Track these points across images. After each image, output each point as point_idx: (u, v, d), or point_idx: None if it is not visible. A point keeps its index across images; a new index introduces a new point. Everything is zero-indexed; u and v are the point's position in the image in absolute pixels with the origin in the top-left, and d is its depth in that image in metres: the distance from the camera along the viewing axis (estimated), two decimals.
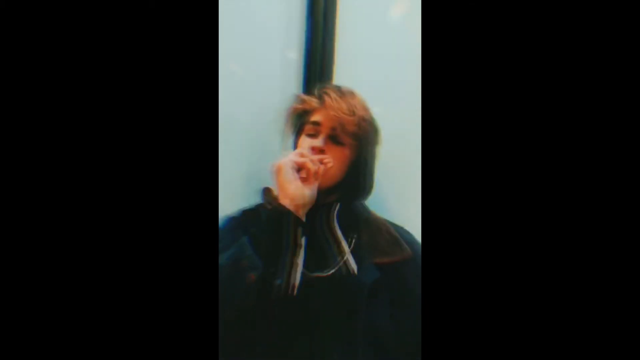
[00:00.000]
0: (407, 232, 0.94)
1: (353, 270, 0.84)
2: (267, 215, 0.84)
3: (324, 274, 0.84)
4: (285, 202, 0.81)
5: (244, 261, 0.77)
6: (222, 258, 0.78)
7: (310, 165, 0.83)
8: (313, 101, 0.92)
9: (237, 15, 1.03)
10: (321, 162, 0.85)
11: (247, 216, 0.93)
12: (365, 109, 0.92)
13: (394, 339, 0.82)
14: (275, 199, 0.84)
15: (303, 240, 0.80)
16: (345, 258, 0.86)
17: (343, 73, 1.09)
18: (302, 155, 0.84)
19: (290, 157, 0.83)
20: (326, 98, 0.89)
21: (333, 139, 0.89)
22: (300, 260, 0.79)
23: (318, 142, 0.88)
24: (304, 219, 0.81)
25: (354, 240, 0.89)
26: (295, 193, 0.81)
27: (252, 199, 0.95)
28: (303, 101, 0.94)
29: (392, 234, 0.92)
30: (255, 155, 1.05)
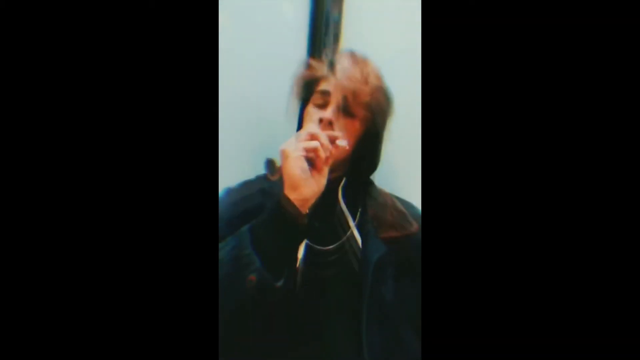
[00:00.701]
0: (413, 207, 0.92)
1: (358, 245, 0.83)
2: (269, 211, 0.76)
3: (329, 248, 0.82)
4: (291, 195, 0.74)
5: (243, 259, 0.72)
6: (221, 252, 0.73)
7: (321, 152, 0.74)
8: (322, 68, 0.86)
9: None
10: (333, 142, 0.77)
11: (249, 188, 0.89)
12: (379, 77, 0.86)
13: (399, 313, 0.81)
14: (279, 170, 0.79)
15: (304, 244, 0.77)
16: (349, 233, 0.84)
17: (352, 36, 1.02)
18: (312, 137, 0.75)
19: (300, 143, 0.75)
20: (337, 65, 0.83)
21: (343, 109, 0.83)
22: (300, 254, 0.77)
23: (327, 113, 0.82)
24: (307, 211, 0.75)
25: (358, 215, 0.86)
26: (305, 190, 0.74)
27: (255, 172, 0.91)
28: (311, 67, 0.87)
29: (398, 209, 0.90)
30: (258, 128, 0.99)
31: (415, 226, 0.86)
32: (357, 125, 0.84)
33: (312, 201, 0.75)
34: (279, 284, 0.71)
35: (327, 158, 0.75)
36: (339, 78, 0.82)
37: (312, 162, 0.75)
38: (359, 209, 0.87)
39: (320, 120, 0.81)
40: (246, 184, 0.91)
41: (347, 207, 0.86)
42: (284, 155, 0.74)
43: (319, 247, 0.81)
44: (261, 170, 0.90)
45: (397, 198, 0.92)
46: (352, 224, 0.85)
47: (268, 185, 0.87)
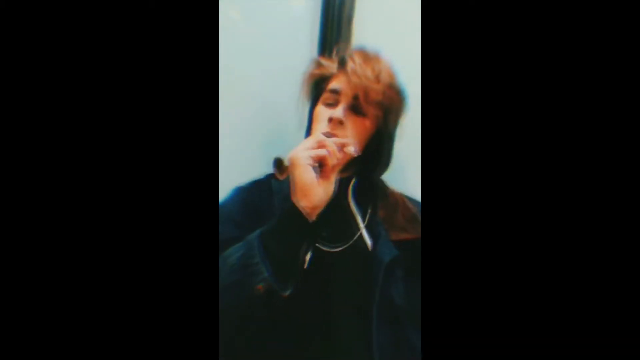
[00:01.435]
0: None
1: (368, 246, 0.81)
2: (279, 219, 0.75)
3: (338, 249, 0.80)
4: (299, 203, 0.73)
5: (252, 268, 0.71)
6: (230, 259, 0.73)
7: (329, 159, 0.73)
8: (332, 65, 0.83)
9: None
10: (341, 149, 0.75)
11: (258, 187, 0.88)
12: (392, 75, 0.84)
13: (409, 315, 0.79)
14: (287, 170, 0.78)
15: (309, 253, 0.77)
16: (359, 233, 0.82)
17: (364, 32, 0.99)
18: (320, 144, 0.74)
19: (307, 151, 0.73)
20: (348, 62, 0.81)
21: (354, 108, 0.81)
22: (308, 256, 0.76)
23: (337, 112, 0.80)
24: (315, 219, 0.75)
25: (368, 216, 0.85)
26: (313, 199, 0.73)
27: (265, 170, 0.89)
28: (321, 65, 0.85)
29: (409, 210, 0.88)
30: (267, 126, 0.97)
31: None
32: (367, 124, 0.83)
33: (320, 209, 0.74)
34: (287, 293, 0.70)
35: (335, 165, 0.74)
36: (350, 76, 0.80)
37: (320, 169, 0.74)
38: (369, 210, 0.86)
39: (330, 120, 0.80)
40: (256, 183, 0.90)
41: (357, 207, 0.85)
42: (291, 162, 0.73)
43: (327, 248, 0.80)
44: (270, 169, 0.89)
45: (408, 198, 0.90)
46: (361, 225, 0.83)
47: (277, 185, 0.86)
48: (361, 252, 0.81)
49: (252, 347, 0.75)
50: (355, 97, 0.80)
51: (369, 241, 0.81)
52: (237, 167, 0.89)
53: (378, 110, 0.82)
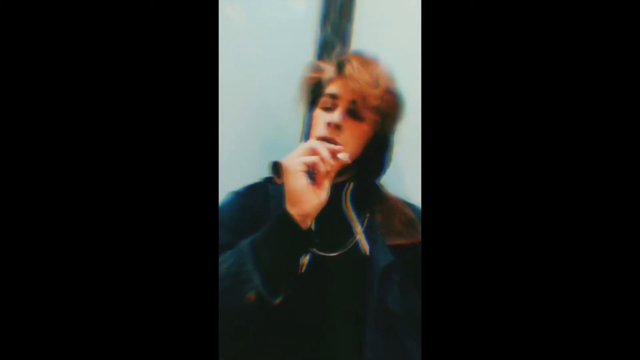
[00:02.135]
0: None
1: (365, 251, 0.81)
2: (271, 226, 0.75)
3: (334, 254, 0.80)
4: (291, 210, 0.72)
5: (243, 276, 0.70)
6: (222, 267, 0.72)
7: (321, 166, 0.73)
8: (330, 69, 0.83)
9: None
10: (334, 156, 0.75)
11: (255, 191, 0.88)
12: (391, 79, 0.84)
13: (404, 321, 0.79)
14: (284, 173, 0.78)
15: (307, 258, 0.76)
16: (357, 238, 0.82)
17: (362, 36, 0.99)
18: (313, 151, 0.74)
19: (299, 157, 0.73)
20: (346, 67, 0.81)
21: (352, 113, 0.81)
22: (306, 259, 0.76)
23: (334, 117, 0.79)
24: (307, 227, 0.74)
25: (366, 221, 0.84)
26: (305, 206, 0.72)
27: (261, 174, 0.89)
28: (319, 69, 0.85)
29: (407, 215, 0.87)
30: (264, 130, 0.97)
31: None
32: (365, 129, 0.82)
33: (313, 216, 0.74)
34: (277, 300, 0.70)
35: (328, 172, 0.74)
36: (348, 80, 0.80)
37: (313, 175, 0.73)
38: (367, 214, 0.85)
39: (328, 124, 0.79)
40: (252, 188, 0.90)
41: (354, 212, 0.84)
42: (284, 170, 0.73)
43: (323, 253, 0.79)
44: (267, 173, 0.89)
45: (408, 203, 0.90)
46: (359, 229, 0.83)
47: (273, 189, 0.86)
48: (358, 257, 0.80)
49: (247, 352, 0.75)
50: (353, 102, 0.80)
51: (367, 246, 0.81)
52: (232, 171, 0.89)
53: (376, 115, 0.82)
